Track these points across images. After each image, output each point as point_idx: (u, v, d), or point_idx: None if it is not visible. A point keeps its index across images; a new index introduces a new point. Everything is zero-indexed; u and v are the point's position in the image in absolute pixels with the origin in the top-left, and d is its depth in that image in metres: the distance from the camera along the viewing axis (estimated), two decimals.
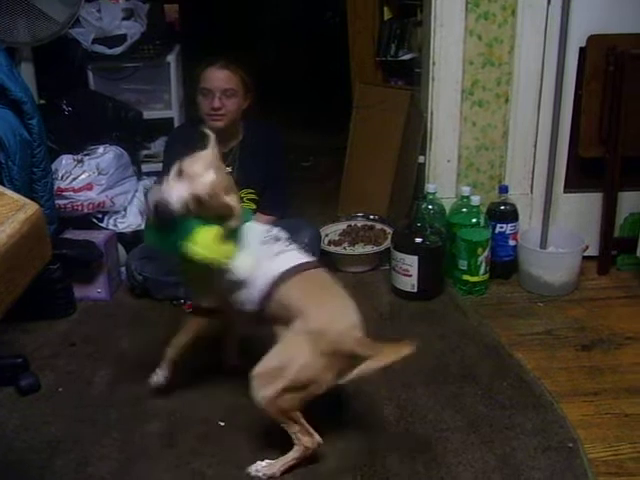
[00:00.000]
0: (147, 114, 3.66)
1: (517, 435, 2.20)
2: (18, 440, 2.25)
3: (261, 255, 2.11)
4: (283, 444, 2.00)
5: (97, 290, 3.08)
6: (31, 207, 1.14)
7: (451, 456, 2.11)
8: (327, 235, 3.44)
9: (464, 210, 3.15)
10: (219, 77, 3.05)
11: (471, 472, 2.05)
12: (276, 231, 2.23)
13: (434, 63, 3.11)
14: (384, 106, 3.61)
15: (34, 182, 2.66)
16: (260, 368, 1.95)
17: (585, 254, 3.16)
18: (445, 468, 2.07)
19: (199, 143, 3.17)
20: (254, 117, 3.22)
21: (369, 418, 2.29)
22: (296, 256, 2.15)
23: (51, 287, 2.90)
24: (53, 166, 3.10)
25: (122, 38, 3.51)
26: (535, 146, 3.22)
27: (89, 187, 3.18)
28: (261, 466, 2.03)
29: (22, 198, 1.16)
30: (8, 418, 2.36)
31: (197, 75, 3.11)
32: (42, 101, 3.44)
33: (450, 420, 2.27)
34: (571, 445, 2.16)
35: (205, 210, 2.03)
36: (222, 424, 2.28)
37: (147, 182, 3.50)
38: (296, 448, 2.01)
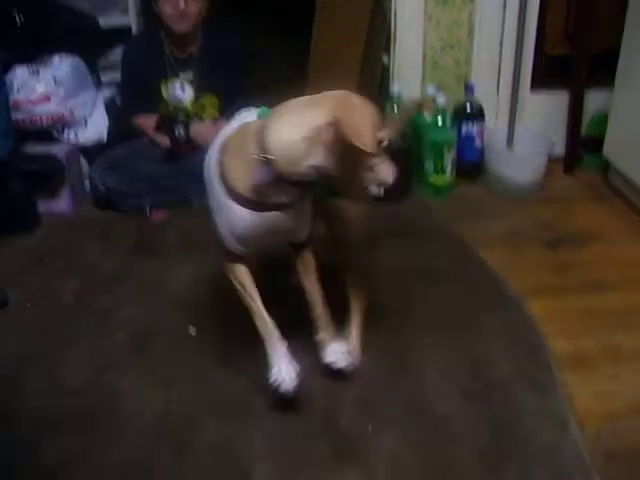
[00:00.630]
0: (104, 23, 3.52)
1: (483, 332, 2.25)
2: None
3: None
4: (255, 353, 1.99)
5: (61, 203, 3.04)
6: None
7: (417, 352, 2.15)
8: None
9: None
10: None
11: (438, 370, 2.09)
12: None
13: None
14: (348, 5, 3.51)
15: None
16: None
17: (552, 154, 3.16)
18: (413, 364, 2.11)
19: (157, 51, 3.13)
20: (213, 22, 3.13)
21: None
22: None
23: (14, 203, 2.86)
24: (7, 79, 3.01)
25: None
26: (501, 44, 3.17)
27: (47, 99, 3.09)
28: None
29: None
30: None
31: None
32: None
33: (417, 320, 2.30)
34: (536, 340, 2.21)
35: None
36: (193, 333, 2.29)
37: (107, 92, 3.41)
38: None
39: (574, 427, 1.88)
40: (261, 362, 1.88)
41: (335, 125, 1.53)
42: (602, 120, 3.21)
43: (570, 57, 3.11)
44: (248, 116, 1.83)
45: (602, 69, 3.09)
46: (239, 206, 1.73)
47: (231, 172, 1.73)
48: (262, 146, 1.62)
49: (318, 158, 1.59)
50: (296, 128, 1.60)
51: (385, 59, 3.25)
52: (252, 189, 1.69)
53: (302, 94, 1.73)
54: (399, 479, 1.78)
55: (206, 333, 2.27)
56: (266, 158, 1.61)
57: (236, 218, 1.76)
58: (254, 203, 1.72)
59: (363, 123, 1.54)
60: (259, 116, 1.76)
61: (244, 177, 1.69)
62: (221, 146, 1.78)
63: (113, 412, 2.00)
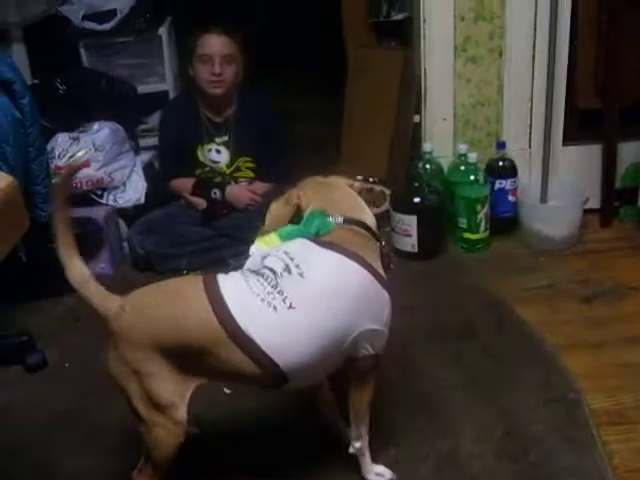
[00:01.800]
0: (141, 88, 3.65)
1: (518, 389, 2.22)
2: (27, 417, 2.29)
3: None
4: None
5: (100, 266, 3.09)
6: (5, 179, 1.14)
7: (453, 412, 2.14)
8: None
9: (462, 168, 3.14)
10: (219, 43, 3.07)
11: (473, 427, 2.07)
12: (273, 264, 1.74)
13: (424, 20, 3.08)
14: (378, 67, 3.57)
15: (29, 162, 2.65)
16: None
17: (587, 207, 3.15)
18: (447, 424, 2.09)
19: (194, 115, 3.21)
20: (247, 84, 3.22)
21: None
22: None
23: (53, 265, 2.91)
24: (49, 145, 3.10)
25: (112, 13, 3.50)
26: (531, 100, 3.19)
27: (86, 164, 3.18)
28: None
29: None
30: (17, 395, 2.41)
31: (193, 43, 3.11)
32: (35, 81, 3.44)
33: (452, 376, 2.29)
34: (573, 396, 2.17)
35: None
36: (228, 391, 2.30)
37: (145, 156, 3.50)
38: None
39: None
40: None
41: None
42: (637, 171, 3.20)
43: (601, 110, 3.11)
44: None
45: (634, 120, 3.10)
46: (389, 294, 1.77)
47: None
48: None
49: None
50: None
51: (416, 118, 3.28)
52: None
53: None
54: None
55: (242, 394, 2.28)
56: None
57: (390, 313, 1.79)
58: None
59: None
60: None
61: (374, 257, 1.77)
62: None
63: None
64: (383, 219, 3.24)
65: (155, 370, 1.63)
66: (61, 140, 3.21)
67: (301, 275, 1.64)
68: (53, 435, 2.19)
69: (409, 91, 3.33)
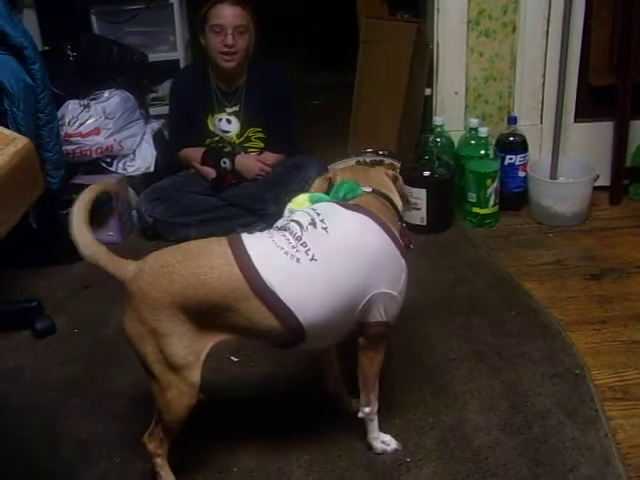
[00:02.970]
0: (152, 57, 3.64)
1: (524, 363, 2.23)
2: (35, 381, 2.32)
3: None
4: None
5: (109, 233, 3.11)
6: (21, 141, 1.15)
7: (458, 385, 2.15)
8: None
9: (472, 142, 3.13)
10: (231, 13, 3.04)
11: (478, 400, 2.08)
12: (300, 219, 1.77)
13: None
14: (391, 40, 3.55)
15: (40, 128, 2.65)
16: None
17: (597, 184, 3.14)
18: (452, 396, 2.10)
19: (204, 84, 3.20)
20: (259, 56, 3.20)
21: None
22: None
23: (63, 232, 2.92)
24: (60, 112, 3.11)
25: None
26: (544, 75, 3.18)
27: (96, 132, 3.19)
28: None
29: (12, 133, 1.17)
30: (26, 360, 2.43)
31: (205, 13, 3.09)
32: (46, 47, 3.44)
33: (458, 350, 2.30)
34: (578, 372, 2.18)
35: None
36: (235, 359, 2.32)
37: (155, 125, 3.50)
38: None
39: (616, 460, 1.85)
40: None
41: None
42: None
43: (614, 87, 3.09)
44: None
45: None
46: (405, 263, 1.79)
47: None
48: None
49: None
50: None
51: (428, 91, 3.27)
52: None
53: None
54: None
55: (249, 362, 2.30)
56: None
57: (406, 282, 1.81)
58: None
59: None
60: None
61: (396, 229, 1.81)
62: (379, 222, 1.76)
63: None
64: None
65: (173, 329, 1.63)
66: (71, 107, 3.21)
67: (325, 230, 1.68)
68: (61, 400, 2.21)
69: (421, 64, 3.32)
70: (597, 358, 2.25)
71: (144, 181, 3.29)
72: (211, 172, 3.19)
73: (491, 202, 3.07)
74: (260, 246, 1.67)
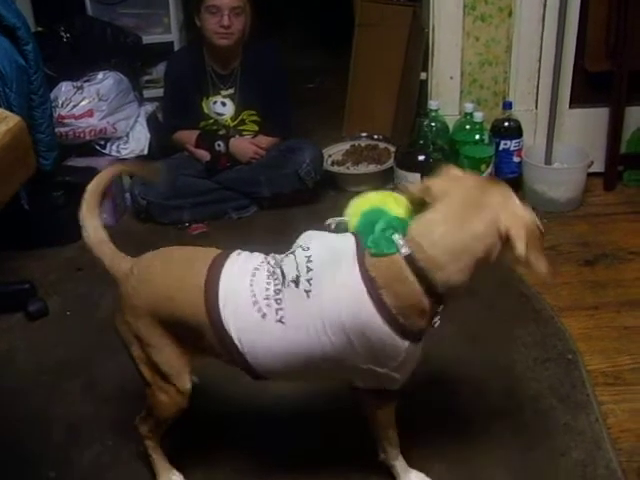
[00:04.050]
0: (146, 39, 3.61)
1: (517, 348, 2.24)
2: (28, 363, 2.32)
3: None
4: None
5: (102, 216, 3.06)
6: (13, 119, 1.13)
7: (449, 369, 2.15)
8: (331, 155, 3.43)
9: (467, 127, 3.12)
10: None
11: (470, 383, 2.09)
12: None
13: None
14: (386, 23, 3.54)
15: (33, 109, 2.64)
16: None
17: (592, 170, 3.14)
18: (445, 380, 2.11)
19: (199, 67, 3.18)
20: (253, 38, 3.18)
21: None
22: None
23: (56, 214, 2.93)
24: (53, 94, 3.09)
25: None
26: (540, 60, 3.16)
27: (90, 114, 3.17)
28: None
29: (4, 111, 1.16)
30: (18, 342, 2.43)
31: None
32: (39, 28, 3.41)
33: (450, 333, 2.28)
34: (570, 357, 2.19)
35: None
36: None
37: (149, 107, 3.48)
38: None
39: (607, 445, 1.86)
40: None
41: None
42: None
43: (610, 73, 3.08)
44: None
45: None
46: (410, 343, 1.52)
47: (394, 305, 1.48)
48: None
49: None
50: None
51: (423, 75, 3.26)
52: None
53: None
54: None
55: None
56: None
57: (412, 359, 1.57)
58: (420, 334, 1.55)
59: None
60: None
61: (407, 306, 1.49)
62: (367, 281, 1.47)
63: None
64: (387, 176, 3.25)
65: (154, 339, 1.60)
66: (65, 89, 3.19)
67: (307, 293, 1.49)
68: (53, 383, 2.21)
69: (416, 48, 3.31)
70: (589, 343, 2.26)
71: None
72: (205, 155, 3.18)
73: None
74: (235, 282, 1.54)
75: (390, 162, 3.24)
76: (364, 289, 1.45)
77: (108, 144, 3.28)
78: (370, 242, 1.49)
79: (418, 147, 3.02)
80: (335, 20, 4.38)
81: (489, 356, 2.20)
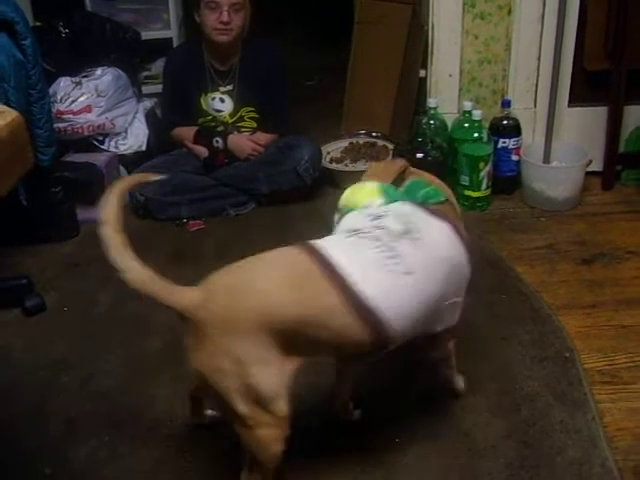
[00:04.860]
0: (145, 34, 3.62)
1: (514, 346, 2.24)
2: (25, 359, 2.31)
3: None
4: None
5: (100, 212, 3.09)
6: (10, 114, 1.13)
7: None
8: (329, 152, 3.43)
9: (466, 125, 3.11)
10: None
11: (467, 381, 2.07)
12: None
13: None
14: (386, 21, 3.54)
15: (31, 104, 2.63)
16: None
17: (590, 169, 3.14)
18: (441, 378, 2.10)
19: (198, 63, 3.18)
20: (252, 35, 3.18)
21: None
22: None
23: (54, 210, 2.93)
24: (51, 89, 3.09)
25: None
26: (539, 59, 3.16)
27: (88, 109, 3.17)
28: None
29: (2, 106, 1.16)
30: (15, 338, 2.42)
31: None
32: (38, 23, 3.41)
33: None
34: (567, 355, 2.19)
35: None
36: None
37: (147, 103, 3.48)
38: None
39: (603, 443, 1.86)
40: None
41: None
42: None
43: (609, 72, 3.08)
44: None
45: None
46: None
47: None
48: None
49: None
50: None
51: (422, 73, 3.26)
52: None
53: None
54: None
55: None
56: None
57: None
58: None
59: None
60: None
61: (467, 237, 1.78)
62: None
63: (143, 417, 2.02)
64: None
65: (259, 355, 1.47)
66: (63, 84, 3.20)
67: (417, 240, 1.62)
68: (49, 378, 2.20)
69: (416, 45, 3.30)
70: (587, 342, 2.26)
71: (136, 160, 3.27)
72: (203, 151, 3.18)
73: (483, 185, 3.06)
74: (352, 255, 1.56)
75: (388, 160, 3.23)
76: (449, 226, 1.70)
77: (106, 140, 3.28)
78: (421, 196, 1.77)
79: (417, 145, 3.02)
80: (334, 18, 4.37)
81: (486, 354, 2.20)
